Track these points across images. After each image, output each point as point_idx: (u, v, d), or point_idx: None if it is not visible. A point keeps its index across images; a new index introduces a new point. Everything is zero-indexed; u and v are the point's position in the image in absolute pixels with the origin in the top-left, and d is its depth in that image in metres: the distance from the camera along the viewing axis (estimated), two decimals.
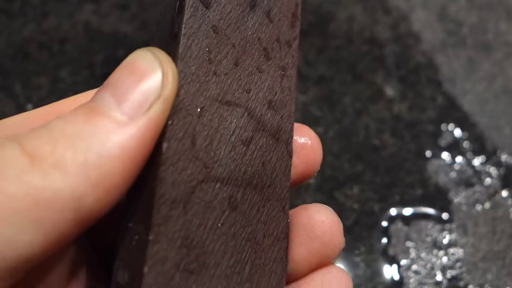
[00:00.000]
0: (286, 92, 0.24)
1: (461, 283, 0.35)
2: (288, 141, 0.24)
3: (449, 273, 0.35)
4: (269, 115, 0.23)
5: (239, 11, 0.23)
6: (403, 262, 0.36)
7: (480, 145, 0.40)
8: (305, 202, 0.37)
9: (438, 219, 0.37)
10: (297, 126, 0.25)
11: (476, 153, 0.40)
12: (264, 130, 0.23)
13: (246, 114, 0.23)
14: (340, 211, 0.37)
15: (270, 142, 0.23)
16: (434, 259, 0.36)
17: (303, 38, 0.46)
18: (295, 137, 0.25)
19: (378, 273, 0.35)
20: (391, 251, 0.36)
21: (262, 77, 0.23)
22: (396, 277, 0.35)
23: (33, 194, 0.17)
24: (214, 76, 0.22)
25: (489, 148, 0.40)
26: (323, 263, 0.24)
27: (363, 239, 0.36)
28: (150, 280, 0.19)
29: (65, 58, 0.43)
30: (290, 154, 0.24)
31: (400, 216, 0.37)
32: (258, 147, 0.23)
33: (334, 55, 0.44)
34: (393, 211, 0.37)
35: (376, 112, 0.41)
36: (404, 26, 0.46)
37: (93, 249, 0.23)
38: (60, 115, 0.19)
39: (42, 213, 0.17)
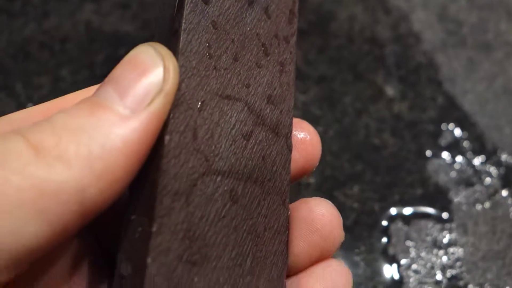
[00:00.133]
0: (285, 87, 0.24)
1: (461, 283, 0.35)
2: (288, 136, 0.24)
3: (449, 273, 0.35)
4: (268, 109, 0.24)
5: (238, 7, 0.24)
6: (403, 261, 0.36)
7: (480, 145, 0.40)
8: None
9: (438, 219, 0.37)
10: (296, 121, 0.25)
11: (476, 153, 0.40)
12: (264, 124, 0.23)
13: (246, 108, 0.23)
14: (340, 210, 0.37)
15: (270, 136, 0.23)
16: (434, 259, 0.36)
17: (304, 37, 0.46)
18: (295, 132, 0.25)
19: (378, 272, 0.35)
20: (391, 251, 0.36)
21: (261, 72, 0.24)
22: (396, 276, 0.35)
23: (38, 185, 0.17)
24: (214, 71, 0.22)
25: (489, 147, 0.40)
26: (323, 257, 0.24)
27: (363, 238, 0.36)
28: (153, 271, 0.19)
29: (66, 58, 0.43)
30: (289, 148, 0.24)
31: (400, 216, 0.37)
32: (258, 141, 0.23)
33: (334, 55, 0.44)
34: (393, 211, 0.37)
35: (376, 112, 0.41)
36: (404, 26, 0.46)
37: (96, 242, 0.24)
38: (63, 109, 0.19)
39: (46, 204, 0.17)
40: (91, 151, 0.18)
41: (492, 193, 0.38)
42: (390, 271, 0.35)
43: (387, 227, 0.37)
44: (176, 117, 0.20)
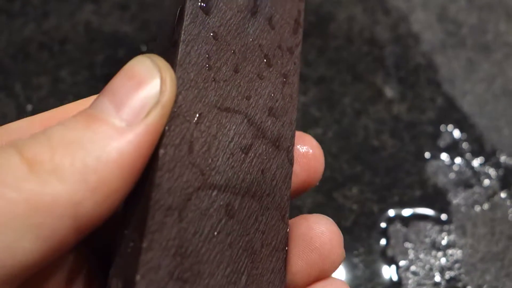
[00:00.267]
0: (287, 99, 0.24)
1: (460, 284, 0.35)
2: (289, 149, 0.23)
3: (448, 274, 0.35)
4: (269, 122, 0.23)
5: (240, 18, 0.23)
6: (402, 263, 0.36)
7: (479, 146, 0.40)
8: (304, 202, 0.37)
9: (437, 220, 0.37)
10: (299, 134, 0.25)
11: (475, 154, 0.40)
12: (264, 137, 0.23)
13: (245, 121, 0.22)
14: (339, 211, 0.37)
15: (270, 149, 0.23)
16: (432, 260, 0.36)
17: (303, 38, 0.46)
18: (297, 146, 0.25)
19: (377, 274, 0.35)
20: (390, 252, 0.36)
21: (263, 84, 0.23)
22: (395, 278, 0.35)
23: (32, 200, 0.17)
24: (213, 83, 0.22)
25: (488, 149, 0.40)
26: (322, 276, 0.24)
27: (362, 239, 0.36)
28: None
29: (66, 58, 0.43)
30: (291, 162, 0.23)
31: (399, 217, 0.37)
32: (257, 155, 0.22)
33: (334, 56, 0.44)
34: (392, 212, 0.37)
35: (375, 113, 0.42)
36: (404, 27, 0.46)
37: (93, 255, 0.23)
38: (60, 121, 0.19)
39: (41, 219, 0.17)
40: (86, 164, 0.18)
41: (491, 195, 0.38)
42: (388, 273, 0.35)
43: (386, 229, 0.37)
44: (172, 130, 0.20)
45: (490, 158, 0.40)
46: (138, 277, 0.18)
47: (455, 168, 0.39)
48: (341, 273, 0.35)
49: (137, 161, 0.19)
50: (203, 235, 0.20)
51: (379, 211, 0.37)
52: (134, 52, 0.44)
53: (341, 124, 0.41)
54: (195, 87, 0.21)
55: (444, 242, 0.36)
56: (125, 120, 0.19)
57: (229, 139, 0.22)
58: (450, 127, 0.41)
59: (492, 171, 0.39)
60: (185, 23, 0.22)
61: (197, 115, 0.21)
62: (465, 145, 0.40)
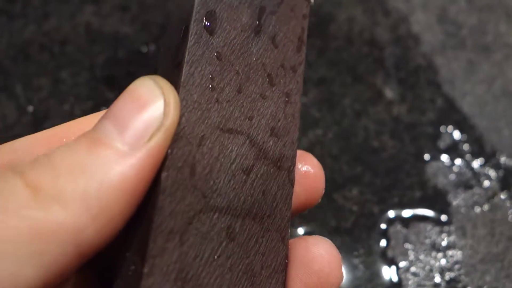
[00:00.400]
0: (289, 119, 0.24)
1: (460, 285, 0.35)
2: (290, 169, 0.23)
3: (448, 275, 0.35)
4: (271, 142, 0.23)
5: (244, 37, 0.23)
6: (402, 264, 0.36)
7: (479, 147, 0.40)
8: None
9: (437, 221, 0.37)
10: (300, 153, 0.25)
11: (475, 155, 0.40)
12: (266, 158, 0.23)
13: (247, 141, 0.22)
14: (339, 213, 0.37)
15: (272, 170, 0.23)
16: (432, 261, 0.36)
17: None
18: (298, 165, 0.24)
19: (377, 275, 0.35)
20: (390, 253, 0.36)
21: (265, 103, 0.23)
22: (395, 279, 0.35)
23: (35, 227, 0.17)
24: (216, 104, 0.22)
25: (488, 150, 0.40)
26: None
27: (362, 241, 0.36)
28: None
29: (66, 60, 0.43)
30: (291, 183, 0.23)
31: (399, 218, 0.37)
32: (259, 176, 0.22)
33: (334, 57, 0.44)
34: (392, 213, 0.37)
35: (375, 114, 0.42)
36: (404, 28, 0.46)
37: (94, 276, 0.23)
38: (63, 144, 0.19)
39: (44, 246, 0.17)
40: (88, 190, 0.18)
41: (491, 196, 0.38)
42: (388, 274, 0.35)
43: (386, 230, 0.37)
44: (175, 153, 0.20)
45: (490, 159, 0.40)
46: None
47: (455, 169, 0.39)
48: None
49: (140, 185, 0.19)
50: (204, 259, 0.20)
51: (379, 212, 0.37)
52: (134, 53, 0.44)
53: (341, 125, 0.41)
54: (198, 109, 0.21)
55: (444, 243, 0.36)
56: (128, 144, 0.19)
57: (231, 161, 0.22)
58: (450, 128, 0.41)
59: (492, 172, 0.39)
60: (189, 43, 0.21)
61: (200, 137, 0.21)
62: (465, 146, 0.40)
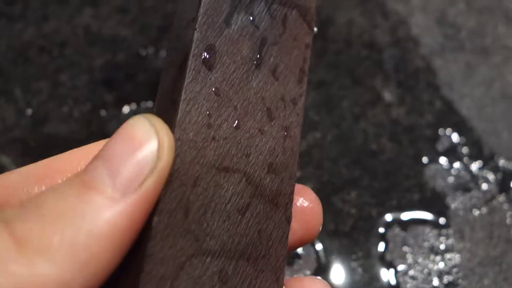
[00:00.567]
0: (288, 153, 0.23)
1: None
2: (287, 206, 0.22)
3: (446, 279, 0.36)
4: (268, 179, 0.22)
5: (244, 71, 0.22)
6: (400, 267, 0.36)
7: (477, 150, 0.40)
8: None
9: (435, 224, 0.37)
10: (298, 187, 0.24)
11: (474, 158, 0.40)
12: (262, 196, 0.22)
13: (244, 179, 0.21)
14: (338, 216, 0.37)
15: (268, 208, 0.22)
16: (431, 265, 0.36)
17: None
18: (295, 199, 0.24)
19: (375, 278, 0.35)
20: (388, 256, 0.36)
21: (264, 139, 0.22)
22: (393, 282, 0.35)
23: (20, 284, 0.16)
24: (213, 142, 0.21)
25: (487, 153, 0.40)
26: None
27: (360, 244, 0.36)
28: None
29: (65, 62, 0.44)
30: (288, 220, 0.22)
31: (397, 221, 0.37)
32: (254, 215, 0.21)
33: (333, 59, 0.44)
34: (390, 216, 0.37)
35: (374, 117, 0.42)
36: (403, 30, 0.46)
37: None
38: (53, 187, 0.18)
39: None
40: (76, 241, 0.17)
41: (489, 199, 0.38)
42: (387, 277, 0.36)
43: (384, 233, 0.37)
44: (167, 196, 0.19)
45: (489, 162, 0.40)
46: None
47: (453, 172, 0.39)
48: (339, 277, 0.35)
49: (130, 232, 0.18)
50: None
51: (378, 215, 0.37)
52: (133, 56, 0.44)
53: (340, 128, 0.41)
54: (193, 148, 0.20)
55: (442, 246, 0.36)
56: (119, 190, 0.18)
57: (226, 201, 0.21)
58: (448, 130, 0.41)
59: (490, 175, 0.39)
60: (187, 80, 0.21)
61: (195, 178, 0.20)
62: (463, 149, 0.40)
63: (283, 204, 0.22)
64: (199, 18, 0.21)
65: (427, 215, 0.38)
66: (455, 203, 0.38)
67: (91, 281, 0.17)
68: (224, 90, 0.22)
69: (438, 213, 0.38)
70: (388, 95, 0.43)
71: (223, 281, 0.20)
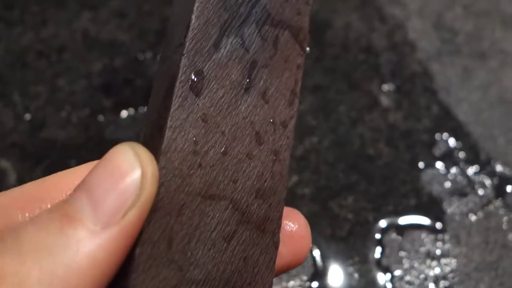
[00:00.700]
0: (277, 178, 0.22)
1: None
2: (275, 232, 0.22)
3: (442, 284, 0.36)
4: (256, 205, 0.21)
5: (232, 95, 0.22)
6: (397, 272, 0.36)
7: (474, 155, 0.41)
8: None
9: (431, 229, 0.37)
10: (287, 210, 0.23)
11: (470, 163, 0.40)
12: (249, 222, 0.21)
13: (230, 206, 0.21)
14: (335, 221, 0.38)
15: (255, 234, 0.21)
16: (427, 270, 0.36)
17: None
18: (284, 224, 0.23)
19: (371, 283, 0.36)
20: (384, 261, 0.36)
21: (252, 164, 0.22)
22: (389, 287, 0.35)
23: None
24: (199, 169, 0.20)
25: (483, 158, 0.40)
26: None
27: (357, 249, 0.37)
28: None
29: (63, 67, 0.44)
30: (276, 246, 0.22)
31: (394, 226, 0.37)
32: (240, 242, 0.21)
33: (330, 64, 0.45)
34: (387, 221, 0.38)
35: (371, 121, 0.42)
36: (400, 35, 0.46)
37: None
38: (34, 219, 0.18)
39: None
40: (55, 275, 0.17)
41: (486, 204, 0.38)
42: (383, 282, 0.36)
43: (381, 238, 0.37)
44: (151, 226, 0.19)
45: (485, 166, 0.40)
46: None
47: (450, 176, 0.40)
48: (336, 282, 0.35)
49: (111, 265, 0.18)
50: None
51: (374, 220, 0.38)
52: (131, 60, 0.44)
53: (337, 132, 0.41)
54: (179, 176, 0.20)
55: (438, 252, 0.37)
56: (100, 223, 0.18)
57: (212, 228, 0.20)
58: (445, 135, 0.41)
59: (487, 180, 0.39)
60: (173, 108, 0.20)
61: (179, 207, 0.20)
62: (460, 154, 0.40)
63: (270, 230, 0.22)
64: (187, 44, 0.21)
65: (424, 220, 0.38)
66: (451, 208, 0.38)
67: None
68: (212, 115, 0.21)
69: (434, 218, 0.38)
70: (385, 100, 0.43)
71: None
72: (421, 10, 0.48)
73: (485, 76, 0.44)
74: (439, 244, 0.37)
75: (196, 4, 0.21)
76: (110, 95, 0.42)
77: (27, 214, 0.22)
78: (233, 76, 0.22)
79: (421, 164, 0.40)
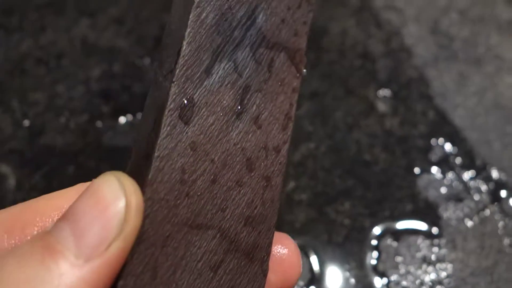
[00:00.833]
0: (267, 205, 0.22)
1: None
2: (264, 259, 0.21)
3: None
4: (244, 232, 0.21)
5: (223, 122, 0.21)
6: (393, 277, 0.36)
7: (470, 160, 0.41)
8: (296, 217, 0.38)
9: (427, 234, 0.38)
10: (277, 236, 0.23)
11: (466, 168, 0.40)
12: (237, 250, 0.21)
13: (218, 235, 0.20)
14: (331, 227, 0.38)
15: (243, 263, 0.21)
16: (423, 275, 0.36)
17: None
18: (274, 249, 0.23)
19: None
20: (381, 267, 0.36)
21: (242, 191, 0.21)
22: None
23: None
24: (186, 198, 0.20)
25: (479, 163, 0.41)
26: None
27: (353, 254, 0.37)
28: None
29: (62, 73, 0.44)
30: (264, 273, 0.21)
31: (390, 232, 0.38)
32: (227, 271, 0.20)
33: (327, 70, 0.45)
34: (383, 227, 0.38)
35: (367, 127, 0.42)
36: (396, 41, 0.47)
37: None
38: (15, 251, 0.18)
39: None
40: None
41: (481, 209, 0.39)
42: (380, 287, 0.36)
43: (377, 243, 0.37)
44: (135, 258, 0.18)
45: (481, 172, 0.40)
46: None
47: (446, 182, 0.40)
48: (333, 287, 0.36)
49: None
50: None
51: (371, 226, 0.38)
52: (130, 66, 0.45)
53: (333, 138, 0.41)
54: (165, 207, 0.19)
55: (434, 257, 0.37)
56: (83, 255, 0.17)
57: (198, 258, 0.20)
58: (441, 140, 0.42)
59: (482, 185, 0.40)
60: (161, 137, 0.20)
61: (165, 237, 0.19)
62: (456, 159, 0.41)
63: (259, 258, 0.21)
64: (177, 71, 0.20)
65: (420, 225, 0.38)
66: (447, 213, 0.38)
67: None
68: (201, 143, 0.20)
69: (430, 223, 0.38)
70: (381, 105, 0.43)
71: None
72: (417, 16, 0.48)
73: (481, 81, 0.45)
74: (435, 249, 0.37)
75: (188, 30, 0.21)
76: (109, 101, 0.43)
77: (12, 241, 0.21)
78: (224, 102, 0.21)
79: (417, 170, 0.40)
